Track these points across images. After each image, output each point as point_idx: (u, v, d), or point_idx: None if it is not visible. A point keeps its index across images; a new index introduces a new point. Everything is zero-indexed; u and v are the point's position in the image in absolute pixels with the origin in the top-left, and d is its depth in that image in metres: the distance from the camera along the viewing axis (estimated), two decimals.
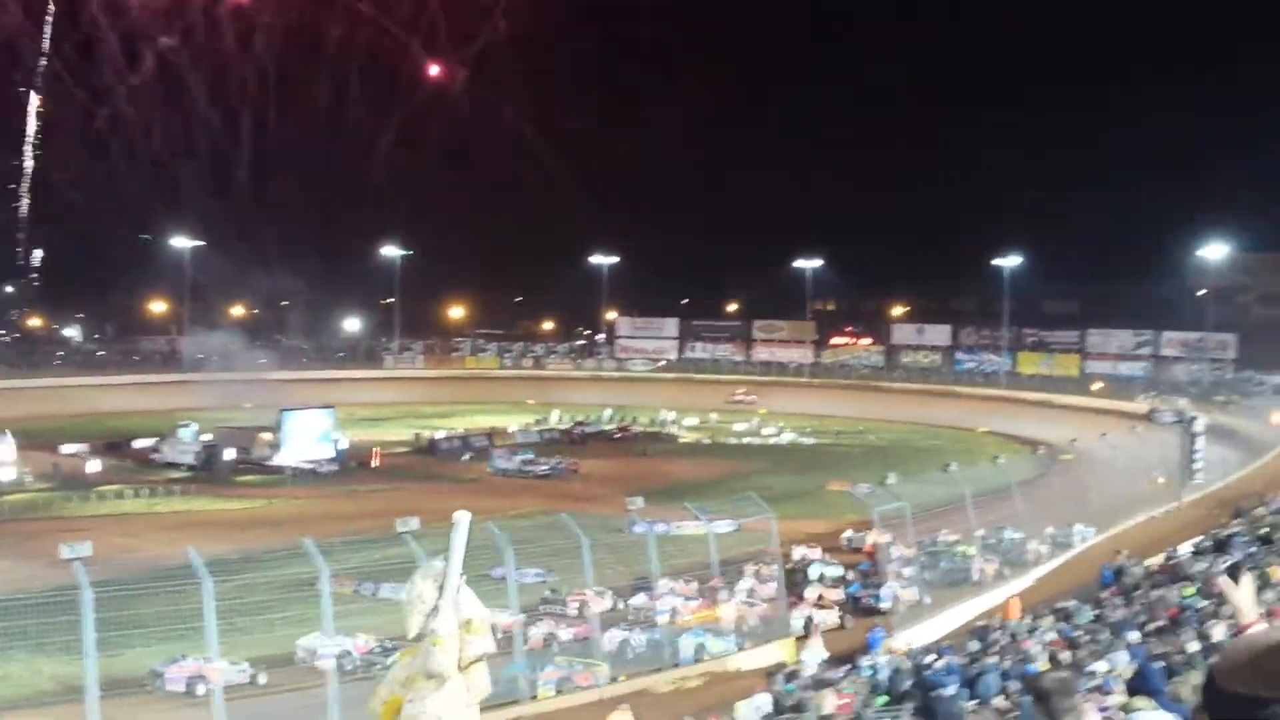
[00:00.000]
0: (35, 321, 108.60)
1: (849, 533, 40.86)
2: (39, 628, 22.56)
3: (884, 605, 32.57)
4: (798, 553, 37.53)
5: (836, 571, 35.60)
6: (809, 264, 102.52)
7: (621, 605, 30.71)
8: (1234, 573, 3.84)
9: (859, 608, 32.71)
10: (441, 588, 2.74)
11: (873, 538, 36.55)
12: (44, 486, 53.15)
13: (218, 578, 22.27)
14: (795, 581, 34.15)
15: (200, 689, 23.43)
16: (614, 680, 25.81)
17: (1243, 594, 3.70)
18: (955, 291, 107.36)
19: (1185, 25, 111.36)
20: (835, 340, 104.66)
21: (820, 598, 33.01)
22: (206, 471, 57.88)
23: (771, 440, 76.74)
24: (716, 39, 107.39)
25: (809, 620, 30.42)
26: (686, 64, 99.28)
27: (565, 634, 28.49)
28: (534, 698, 24.52)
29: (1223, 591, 3.90)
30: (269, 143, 70.15)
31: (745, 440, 76.89)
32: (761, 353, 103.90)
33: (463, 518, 2.79)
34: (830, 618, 31.40)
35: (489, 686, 2.78)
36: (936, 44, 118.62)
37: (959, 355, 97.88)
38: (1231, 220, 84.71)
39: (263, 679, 25.13)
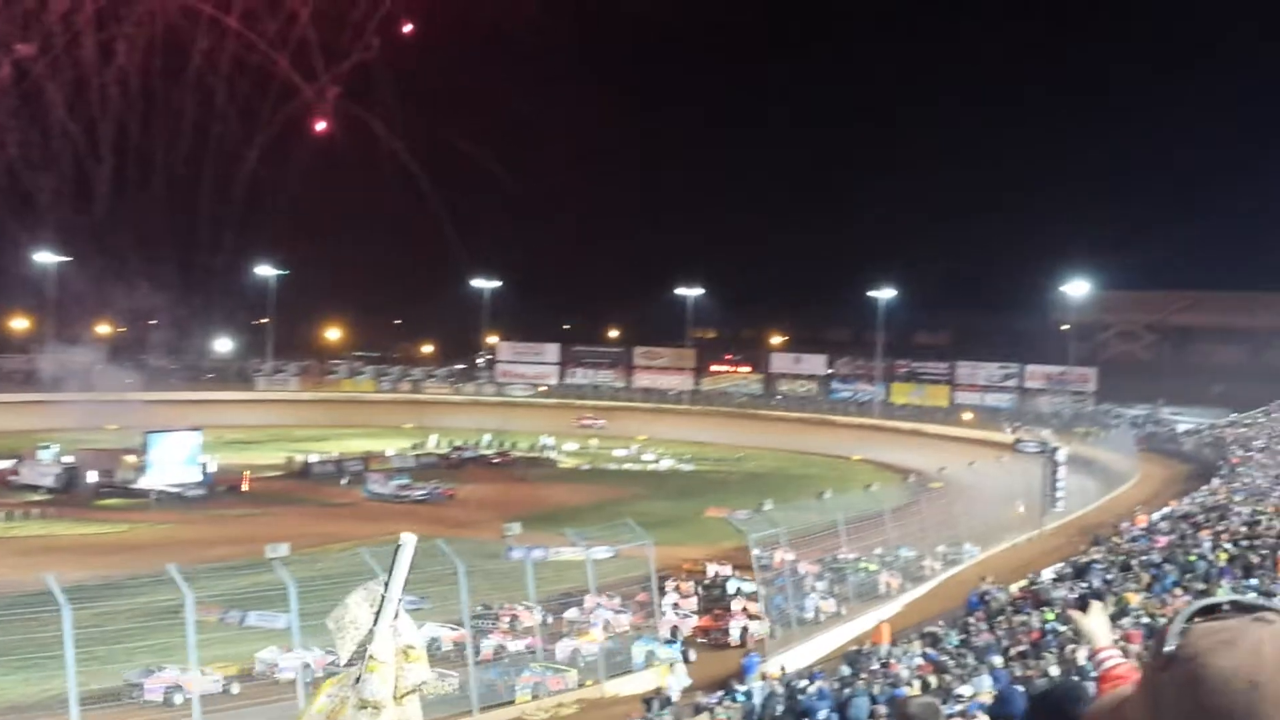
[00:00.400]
0: None
1: (757, 550, 41.37)
2: None
3: (808, 615, 33.41)
4: (712, 569, 38.19)
5: (751, 586, 35.95)
6: (690, 292, 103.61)
7: (551, 619, 31.55)
8: (1084, 602, 3.92)
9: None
10: (379, 611, 2.63)
11: (779, 555, 37.04)
12: None
13: (77, 605, 21.48)
14: (714, 597, 34.93)
15: (178, 698, 24.09)
16: (581, 685, 27.37)
17: (1094, 622, 3.81)
18: (831, 321, 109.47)
19: (1050, 69, 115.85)
20: (715, 368, 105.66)
21: (745, 609, 33.50)
22: (67, 494, 55.79)
23: (651, 466, 77.02)
24: (599, 65, 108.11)
25: (744, 630, 32.01)
26: (569, 89, 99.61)
27: (514, 645, 29.66)
28: (511, 702, 25.84)
29: (1074, 621, 3.99)
30: (135, 157, 67.97)
31: (625, 466, 77.02)
32: (642, 379, 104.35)
33: (409, 539, 2.70)
34: (761, 628, 32.17)
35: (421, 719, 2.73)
36: (815, 79, 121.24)
37: (835, 384, 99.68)
38: (1094, 258, 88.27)
39: (235, 689, 25.41)
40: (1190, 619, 1.74)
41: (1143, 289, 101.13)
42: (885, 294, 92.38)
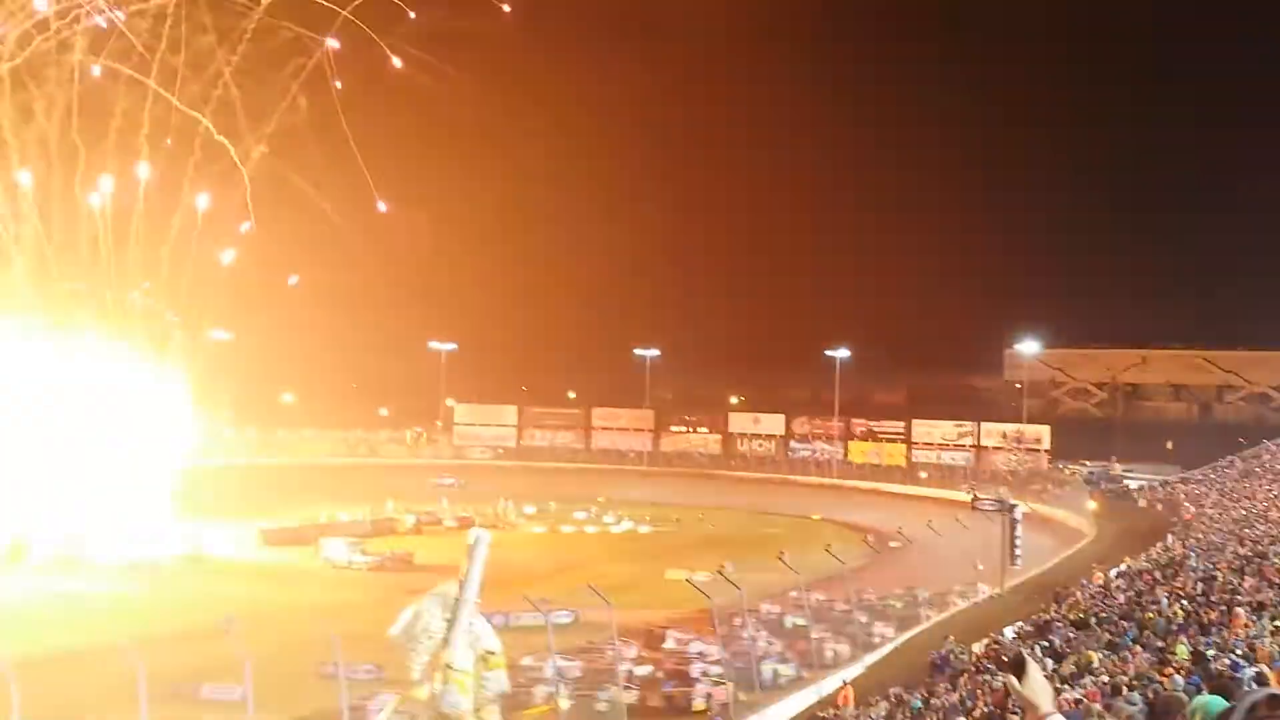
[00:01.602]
0: None
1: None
2: None
3: (766, 679, 33.37)
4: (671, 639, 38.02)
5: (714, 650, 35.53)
6: (647, 353, 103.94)
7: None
8: (1019, 668, 3.76)
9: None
10: (453, 617, 2.51)
11: (740, 619, 36.73)
12: None
13: None
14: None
15: None
16: None
17: (1032, 687, 3.78)
18: (788, 381, 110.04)
19: (995, 135, 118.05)
20: (674, 428, 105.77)
21: (705, 673, 33.54)
22: None
23: (610, 528, 76.66)
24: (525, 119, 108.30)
25: (709, 696, 31.91)
26: (497, 141, 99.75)
27: None
28: None
29: (1011, 691, 3.89)
30: (50, 211, 67.02)
31: (584, 529, 76.64)
32: (601, 440, 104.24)
33: (483, 535, 2.59)
34: (725, 693, 31.97)
35: None
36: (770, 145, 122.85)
37: (793, 444, 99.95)
38: (1046, 316, 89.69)
39: None
40: (1252, 709, 1.78)
41: (1093, 346, 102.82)
42: (841, 353, 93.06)
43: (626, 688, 31.41)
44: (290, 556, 60.78)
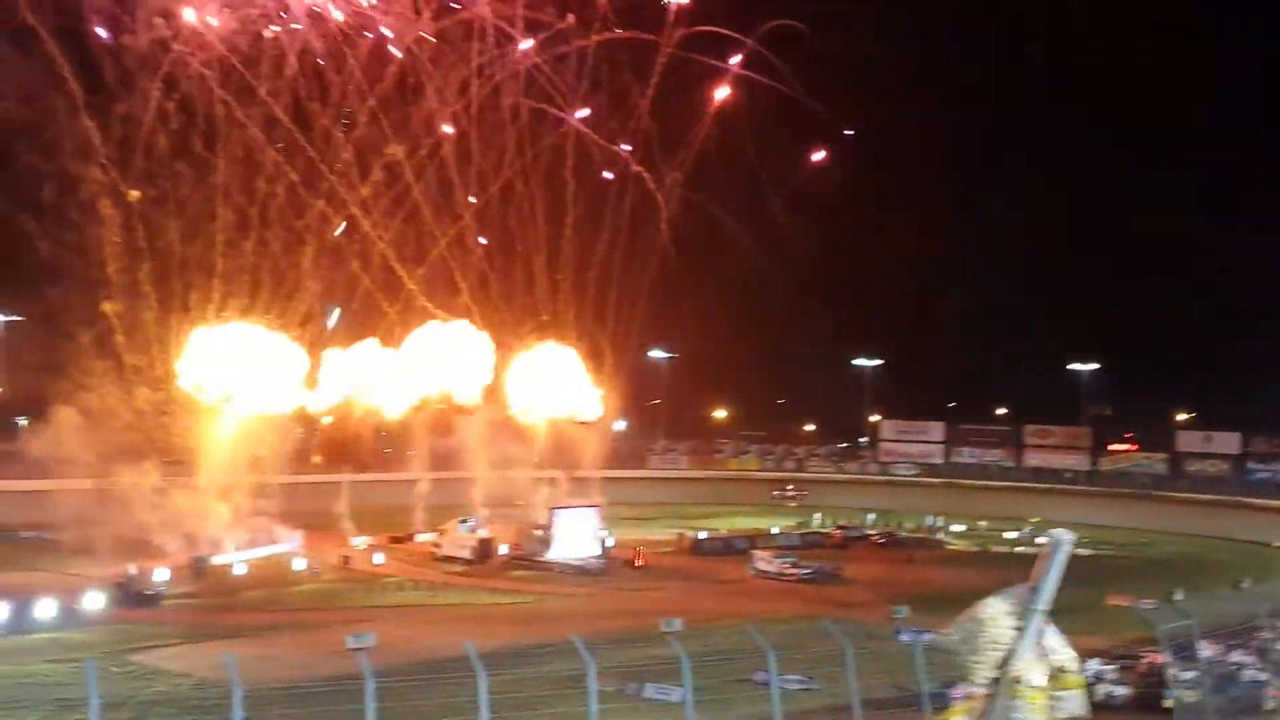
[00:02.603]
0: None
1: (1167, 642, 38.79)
2: (323, 715, 23.89)
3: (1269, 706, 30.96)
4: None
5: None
6: (1084, 367, 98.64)
7: None
8: None
9: None
10: (1023, 627, 2.27)
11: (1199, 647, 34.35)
12: (332, 577, 56.64)
13: (491, 671, 23.10)
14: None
15: None
16: None
17: None
18: (1241, 397, 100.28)
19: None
20: (1113, 447, 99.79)
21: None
22: (482, 565, 60.35)
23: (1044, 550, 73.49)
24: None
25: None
26: (918, 156, 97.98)
27: None
28: None
29: None
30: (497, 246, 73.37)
31: (1017, 549, 73.91)
32: (1033, 459, 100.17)
33: (1065, 537, 2.38)
34: None
35: None
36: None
37: (1250, 465, 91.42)
38: None
39: None
40: None
41: None
42: None
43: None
44: (720, 566, 62.90)
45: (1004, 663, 2.97)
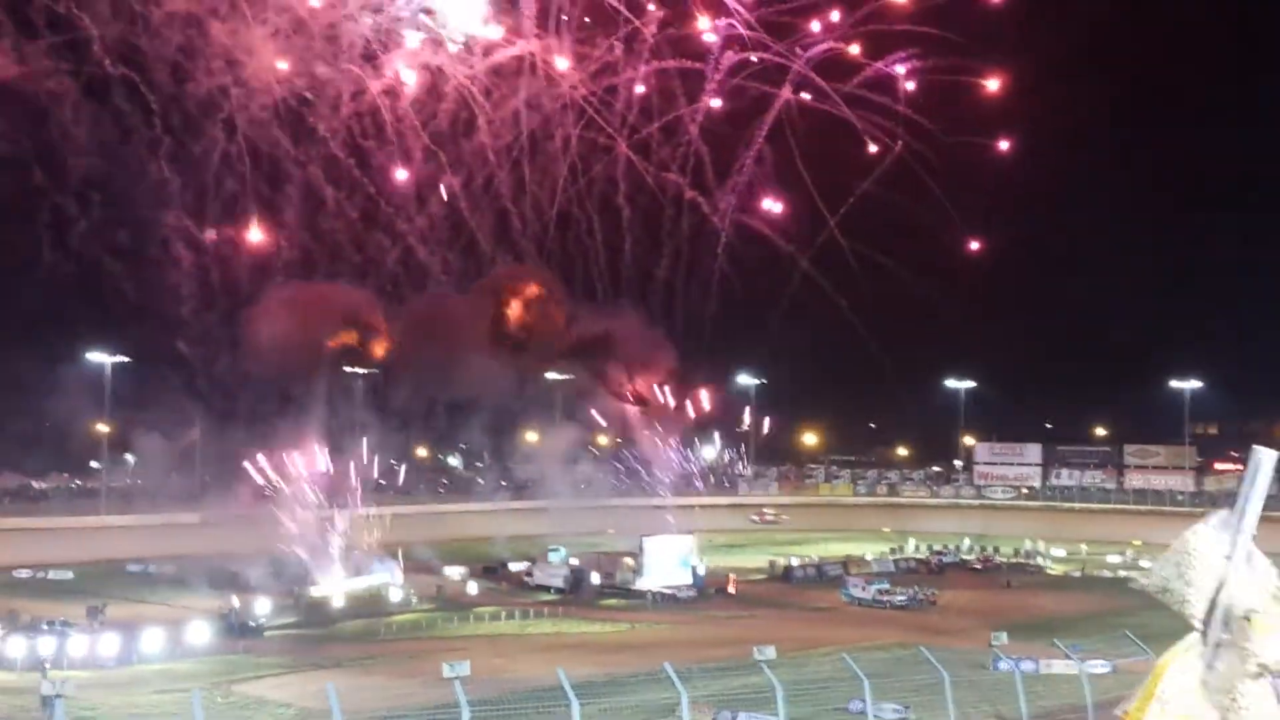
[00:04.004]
0: (422, 452, 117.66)
1: None
2: None
3: None
4: None
5: None
6: (1186, 384, 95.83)
7: None
8: None
9: None
10: (1231, 552, 2.11)
11: None
12: (428, 607, 57.28)
13: (584, 700, 23.18)
14: None
15: None
16: None
17: None
18: None
19: None
20: (1219, 466, 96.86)
21: None
22: (574, 594, 60.57)
23: None
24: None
25: None
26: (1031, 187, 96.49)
27: None
28: None
29: None
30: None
31: (1120, 574, 72.06)
32: (1135, 480, 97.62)
33: (1269, 455, 2.29)
34: None
35: None
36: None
37: None
38: None
39: None
40: None
41: None
42: None
43: None
44: (812, 593, 62.35)
45: (1218, 590, 2.92)
